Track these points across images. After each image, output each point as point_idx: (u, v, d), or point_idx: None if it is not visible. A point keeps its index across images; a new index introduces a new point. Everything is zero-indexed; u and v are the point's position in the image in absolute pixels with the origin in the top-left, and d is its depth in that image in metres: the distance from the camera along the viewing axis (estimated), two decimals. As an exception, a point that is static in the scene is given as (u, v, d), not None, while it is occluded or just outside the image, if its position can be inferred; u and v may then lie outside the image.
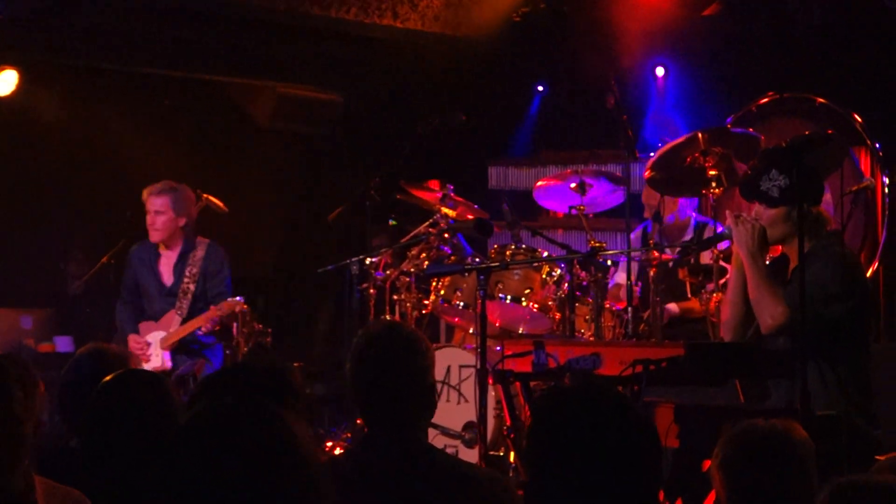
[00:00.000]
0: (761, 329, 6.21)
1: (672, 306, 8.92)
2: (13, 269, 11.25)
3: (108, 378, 4.31)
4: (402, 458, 4.07)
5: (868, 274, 9.73)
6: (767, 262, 6.86)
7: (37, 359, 10.31)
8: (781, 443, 4.00)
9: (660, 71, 11.48)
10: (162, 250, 9.46)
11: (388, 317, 9.25)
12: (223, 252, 9.52)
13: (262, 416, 2.58)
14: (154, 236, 9.36)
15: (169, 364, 9.13)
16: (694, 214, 9.43)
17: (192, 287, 9.32)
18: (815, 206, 6.24)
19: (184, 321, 9.23)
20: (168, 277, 9.43)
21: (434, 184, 9.51)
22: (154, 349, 9.21)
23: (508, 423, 6.88)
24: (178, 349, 9.24)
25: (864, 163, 9.97)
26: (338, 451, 8.86)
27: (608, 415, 3.08)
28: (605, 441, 3.03)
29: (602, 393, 3.14)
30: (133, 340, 9.25)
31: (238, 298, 9.10)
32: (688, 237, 9.26)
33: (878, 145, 10.01)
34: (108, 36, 10.74)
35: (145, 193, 9.35)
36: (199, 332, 9.17)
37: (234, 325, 9.39)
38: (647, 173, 8.45)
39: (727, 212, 6.54)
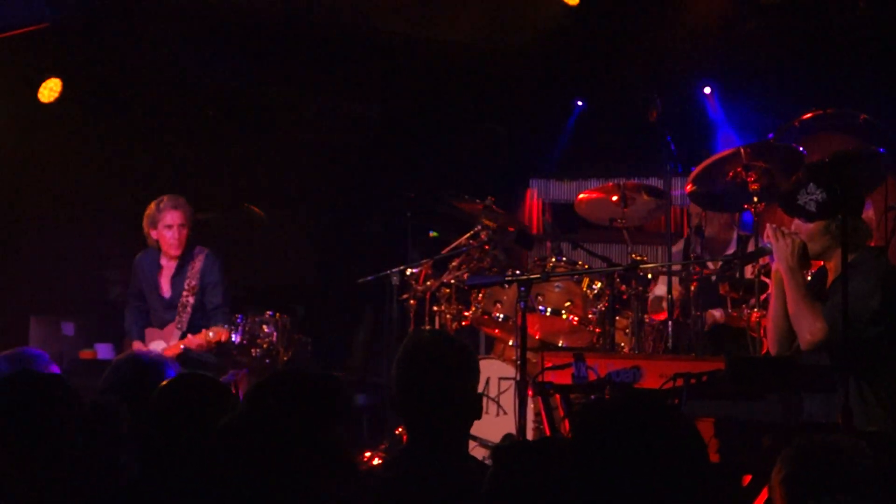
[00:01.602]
0: (801, 345, 6.20)
1: (716, 312, 8.89)
2: (54, 276, 11.30)
3: (166, 382, 4.34)
4: (442, 469, 4.07)
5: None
6: (808, 278, 6.84)
7: (78, 366, 10.37)
8: (849, 460, 3.96)
9: (707, 90, 11.46)
10: (163, 261, 9.45)
11: (427, 327, 9.25)
12: (221, 262, 9.47)
13: (307, 420, 2.59)
14: (175, 250, 9.32)
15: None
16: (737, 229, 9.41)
17: (191, 300, 9.29)
18: (855, 217, 6.21)
19: (183, 334, 9.22)
20: (167, 289, 9.42)
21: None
22: None
23: (548, 436, 6.87)
24: (178, 362, 9.18)
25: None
26: (376, 462, 8.86)
27: (656, 425, 3.06)
28: (647, 452, 3.02)
29: (648, 404, 3.13)
30: (137, 347, 9.18)
31: (225, 327, 9.09)
32: (731, 251, 9.23)
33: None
34: (151, 46, 10.79)
35: (159, 207, 9.29)
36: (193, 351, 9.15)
37: (233, 334, 9.38)
38: (688, 187, 8.43)
39: (767, 226, 6.52)
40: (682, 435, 3.05)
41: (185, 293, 9.30)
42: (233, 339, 9.30)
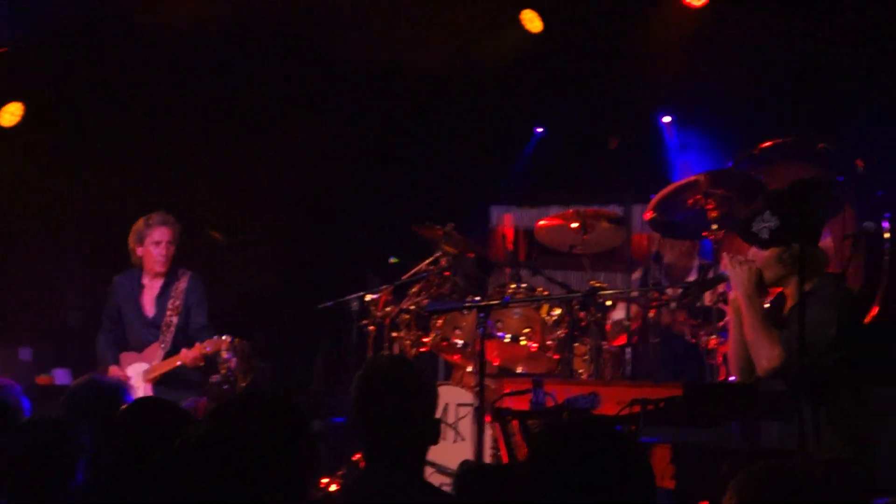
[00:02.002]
0: (757, 371, 6.22)
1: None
2: (11, 301, 11.22)
3: (126, 406, 4.32)
4: (399, 493, 4.06)
5: (867, 318, 9.71)
6: (766, 305, 6.86)
7: (35, 392, 10.30)
8: (802, 484, 3.96)
9: (666, 119, 11.51)
10: (146, 280, 9.39)
11: (387, 353, 9.23)
12: (203, 284, 9.47)
13: (270, 439, 2.58)
14: (161, 268, 9.28)
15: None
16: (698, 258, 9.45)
17: (174, 320, 9.25)
18: (811, 246, 6.23)
19: (167, 354, 9.17)
20: (150, 308, 9.36)
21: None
22: (136, 381, 9.12)
23: (506, 462, 6.86)
24: (160, 381, 9.14)
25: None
26: (333, 488, 8.82)
27: (605, 451, 3.07)
28: (601, 477, 3.02)
29: (600, 430, 3.14)
30: (115, 372, 9.12)
31: (224, 337, 9.05)
32: (691, 278, 9.26)
33: (879, 193, 10.00)
34: (116, 69, 10.76)
35: (148, 223, 9.26)
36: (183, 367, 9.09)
37: (219, 360, 9.35)
38: (648, 215, 8.45)
39: (724, 254, 6.56)
40: (630, 459, 3.06)
41: (169, 312, 9.26)
42: (227, 356, 9.23)
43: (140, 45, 10.56)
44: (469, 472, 4.09)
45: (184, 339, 9.21)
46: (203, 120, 11.90)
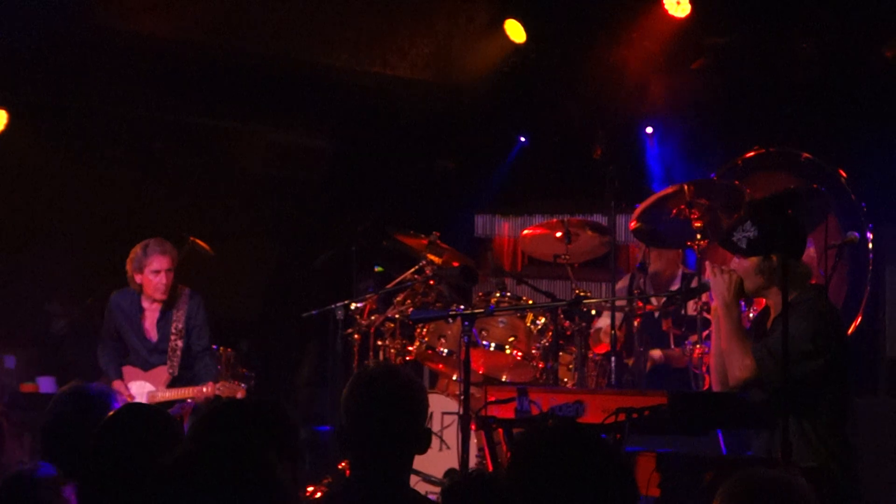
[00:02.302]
0: (729, 381, 6.26)
1: (655, 353, 8.95)
2: (-3, 308, 11.23)
3: (112, 413, 4.31)
4: (384, 500, 4.08)
5: (851, 328, 9.77)
6: (751, 316, 6.91)
7: (19, 399, 10.29)
8: (785, 492, 3.99)
9: (649, 129, 11.55)
10: (145, 303, 9.34)
11: (372, 361, 9.25)
12: (203, 302, 9.44)
13: (245, 460, 2.60)
14: (162, 296, 9.23)
15: None
16: (682, 267, 9.49)
17: (179, 343, 9.21)
18: (795, 258, 6.27)
19: (174, 378, 9.16)
20: (153, 333, 9.32)
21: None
22: (141, 400, 9.08)
23: (491, 470, 6.87)
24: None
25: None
26: (318, 496, 8.83)
27: (586, 456, 3.08)
28: (582, 482, 3.03)
29: (581, 436, 3.15)
30: (119, 388, 9.08)
31: (243, 386, 9.03)
32: (675, 287, 9.29)
33: (863, 204, 10.07)
34: (98, 78, 10.75)
35: (145, 252, 9.17)
36: (189, 401, 9.09)
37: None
38: (632, 224, 8.48)
39: (707, 263, 6.60)
40: (611, 466, 3.08)
41: (173, 337, 9.21)
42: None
43: (121, 53, 10.55)
44: (456, 486, 4.10)
45: (186, 359, 9.21)
46: (185, 131, 11.91)
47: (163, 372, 9.19)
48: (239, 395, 8.92)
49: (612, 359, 8.42)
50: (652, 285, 9.31)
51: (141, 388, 9.15)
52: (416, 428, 4.19)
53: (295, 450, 3.93)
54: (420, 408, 4.22)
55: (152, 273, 9.17)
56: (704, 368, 7.81)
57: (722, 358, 6.41)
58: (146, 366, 9.28)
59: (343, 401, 4.23)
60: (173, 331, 9.23)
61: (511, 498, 3.11)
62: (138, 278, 9.24)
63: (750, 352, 6.18)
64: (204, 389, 8.95)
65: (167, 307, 9.30)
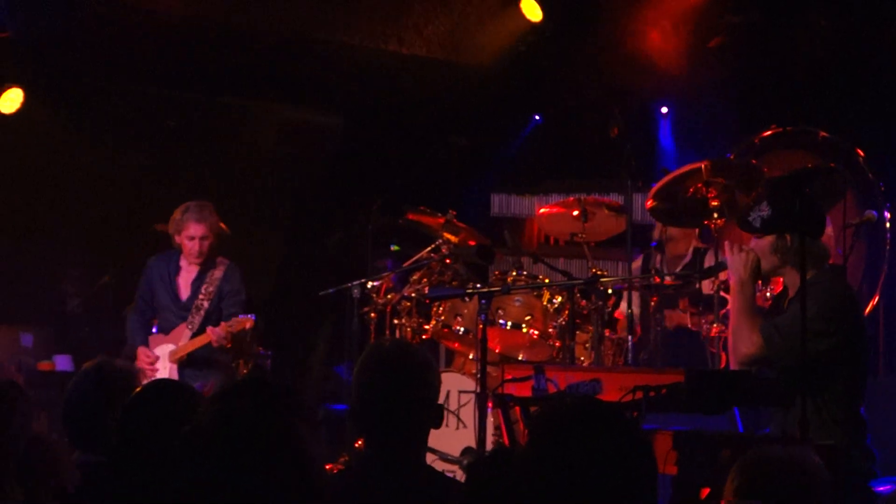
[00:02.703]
0: (735, 357, 6.27)
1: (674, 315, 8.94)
2: (13, 286, 11.24)
3: (138, 390, 4.32)
4: (399, 477, 4.07)
5: (868, 308, 9.75)
6: (768, 294, 6.90)
7: (36, 377, 10.33)
8: (799, 469, 3.99)
9: (664, 109, 11.53)
10: (183, 264, 9.40)
11: (379, 341, 9.24)
12: (241, 274, 9.48)
13: (271, 422, 2.59)
14: (196, 261, 9.29)
15: (175, 378, 9.03)
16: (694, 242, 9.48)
17: (205, 304, 9.26)
18: (813, 238, 6.26)
19: (193, 336, 9.20)
20: (185, 291, 9.36)
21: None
22: (162, 362, 9.17)
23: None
24: (186, 363, 9.16)
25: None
26: (335, 473, 8.83)
27: (606, 432, 3.07)
28: (602, 458, 3.02)
29: (600, 411, 3.13)
30: (143, 353, 9.18)
31: (250, 316, 9.07)
32: (688, 261, 9.30)
33: (881, 183, 10.04)
34: (113, 56, 10.76)
35: (183, 216, 9.23)
36: (212, 346, 9.12)
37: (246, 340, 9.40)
38: (649, 203, 8.47)
39: (726, 242, 6.59)
40: (631, 442, 3.06)
41: (201, 297, 9.27)
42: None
43: (135, 31, 10.55)
44: (480, 461, 4.09)
45: (214, 324, 9.21)
46: (199, 109, 11.91)
47: (183, 329, 9.21)
48: (248, 326, 8.97)
49: (630, 338, 8.41)
50: (665, 263, 9.31)
51: (164, 351, 9.19)
52: (427, 404, 4.19)
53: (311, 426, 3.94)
54: (429, 383, 4.22)
55: (187, 238, 9.24)
56: (721, 346, 7.80)
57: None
58: (170, 326, 9.32)
59: (354, 378, 4.24)
60: (203, 292, 9.29)
61: (530, 474, 3.09)
62: (177, 239, 9.32)
63: (758, 329, 6.18)
64: (217, 329, 8.99)
65: (203, 270, 9.36)
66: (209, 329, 9.06)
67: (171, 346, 9.22)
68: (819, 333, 6.04)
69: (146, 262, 9.58)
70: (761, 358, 6.18)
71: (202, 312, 9.26)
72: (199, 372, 9.05)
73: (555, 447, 3.07)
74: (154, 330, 9.45)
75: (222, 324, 9.03)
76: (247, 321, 9.00)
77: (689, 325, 8.82)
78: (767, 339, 6.14)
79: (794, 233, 6.03)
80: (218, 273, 9.35)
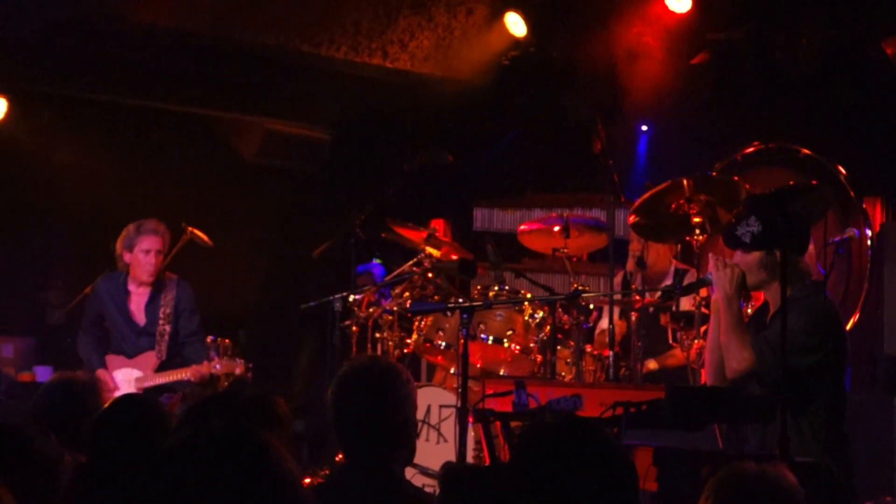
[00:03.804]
0: (726, 373, 6.28)
1: (651, 363, 8.97)
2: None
3: (108, 405, 4.32)
4: (374, 490, 4.09)
5: (849, 326, 9.77)
6: (750, 311, 6.92)
7: (16, 388, 10.30)
8: (773, 487, 4.00)
9: (644, 127, 11.56)
10: (132, 287, 9.26)
11: (369, 354, 9.26)
12: (192, 290, 9.40)
13: (246, 441, 2.59)
14: (149, 277, 9.15)
15: None
16: (674, 262, 9.48)
17: (168, 328, 9.13)
18: (797, 255, 6.29)
19: (162, 363, 9.13)
20: (140, 317, 9.25)
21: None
22: (127, 387, 9.00)
23: (488, 464, 6.88)
24: (151, 389, 9.02)
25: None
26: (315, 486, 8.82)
27: (589, 452, 3.08)
28: (585, 478, 3.03)
29: (583, 430, 3.15)
30: (103, 377, 8.91)
31: (239, 360, 9.00)
32: (667, 283, 9.29)
33: (862, 201, 10.07)
34: (97, 67, 10.75)
35: (139, 230, 9.13)
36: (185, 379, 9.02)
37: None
38: (631, 218, 8.48)
39: (710, 255, 6.60)
40: (614, 460, 3.08)
41: (161, 321, 9.12)
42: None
43: (119, 42, 10.54)
44: (452, 473, 4.10)
45: (175, 345, 9.16)
46: (185, 120, 11.91)
47: (150, 357, 9.11)
48: (238, 371, 8.91)
49: (610, 353, 8.41)
50: (645, 281, 9.33)
51: (127, 376, 9.07)
52: (402, 419, 4.21)
53: (285, 441, 3.95)
54: (401, 398, 4.23)
55: (142, 252, 9.10)
56: (702, 363, 7.81)
57: (718, 352, 6.44)
58: (133, 351, 9.19)
59: (330, 394, 4.26)
60: (161, 315, 9.16)
61: (512, 490, 3.11)
62: (127, 257, 9.17)
63: (749, 345, 6.20)
64: (201, 368, 8.89)
65: (155, 291, 9.24)
66: (193, 367, 8.94)
67: (136, 372, 9.07)
68: (805, 348, 6.07)
69: (94, 283, 9.46)
70: (753, 373, 6.19)
71: (167, 338, 9.15)
72: (159, 394, 8.91)
73: (537, 464, 3.08)
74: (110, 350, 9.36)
75: (205, 363, 8.92)
76: (236, 365, 8.93)
77: (666, 368, 8.87)
78: (759, 355, 6.15)
79: (782, 248, 6.04)
80: (170, 293, 9.23)
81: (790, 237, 6.11)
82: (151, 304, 9.21)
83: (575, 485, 3.04)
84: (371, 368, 4.31)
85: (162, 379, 9.00)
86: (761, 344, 6.17)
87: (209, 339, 9.60)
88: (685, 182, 8.04)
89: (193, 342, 9.17)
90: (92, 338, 9.38)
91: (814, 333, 6.14)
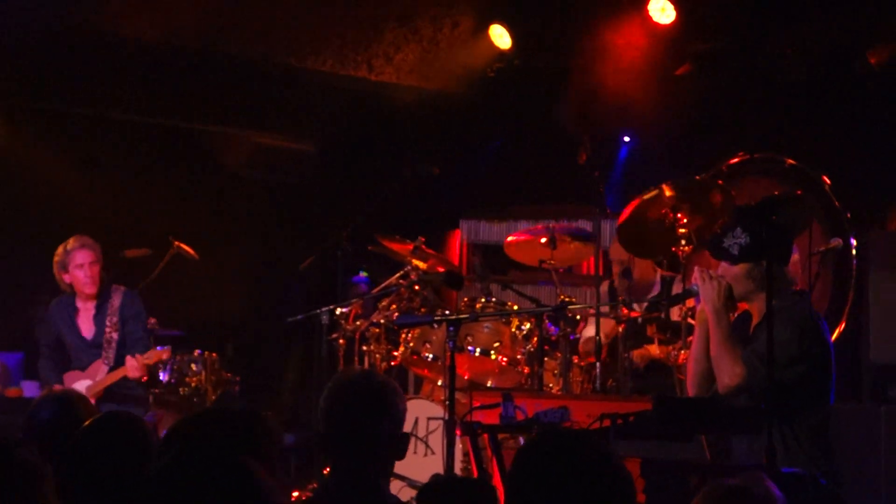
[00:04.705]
0: (719, 388, 6.29)
1: (651, 347, 8.94)
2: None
3: (90, 421, 4.31)
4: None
5: (834, 335, 9.79)
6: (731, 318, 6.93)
7: (3, 403, 10.27)
8: (758, 499, 4.00)
9: (626, 139, 11.58)
10: (79, 303, 9.30)
11: (357, 367, 9.26)
12: (140, 299, 9.40)
13: (226, 468, 2.60)
14: (91, 289, 9.18)
15: None
16: (660, 271, 9.49)
17: (115, 336, 9.14)
18: (781, 265, 6.31)
19: (111, 369, 9.12)
20: (88, 331, 9.27)
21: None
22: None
23: (475, 476, 6.88)
24: (104, 398, 9.01)
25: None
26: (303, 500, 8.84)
27: (591, 464, 3.10)
28: (584, 492, 3.05)
29: (584, 443, 3.17)
30: (58, 389, 9.00)
31: (165, 347, 9.02)
32: (655, 293, 9.30)
33: (847, 211, 10.10)
34: (85, 81, 10.75)
35: (67, 249, 9.17)
36: (127, 379, 9.03)
37: (161, 372, 9.35)
38: (618, 232, 8.50)
39: (696, 268, 6.60)
40: (614, 475, 3.10)
41: (108, 329, 9.17)
42: (161, 376, 9.22)
43: (106, 57, 10.54)
44: (433, 486, 4.12)
45: (123, 351, 9.15)
46: (171, 135, 11.91)
47: (100, 365, 9.12)
48: (164, 357, 8.93)
49: (597, 365, 8.42)
50: (630, 293, 9.33)
51: (81, 387, 9.05)
52: (392, 433, 4.21)
53: (273, 458, 3.94)
54: (394, 412, 4.24)
55: (77, 268, 9.16)
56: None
57: (701, 363, 6.45)
58: (87, 364, 9.22)
59: (320, 408, 4.26)
60: (108, 324, 9.19)
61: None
62: (66, 278, 9.24)
63: (740, 360, 6.20)
64: (131, 364, 8.90)
65: (101, 302, 9.26)
66: (128, 360, 8.97)
67: (87, 382, 9.11)
68: (792, 358, 6.08)
69: (47, 308, 9.51)
70: (745, 387, 6.18)
71: (114, 345, 9.16)
72: (119, 405, 8.89)
73: (536, 480, 3.10)
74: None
75: (137, 356, 8.94)
76: (163, 353, 8.95)
77: (658, 355, 8.83)
78: (750, 369, 6.14)
79: (769, 259, 6.05)
80: (116, 301, 9.25)
81: (776, 247, 6.13)
82: (98, 315, 9.26)
83: (572, 498, 3.06)
84: (369, 380, 4.31)
85: (105, 382, 8.98)
86: (752, 358, 6.17)
87: (196, 352, 9.60)
88: (664, 187, 8.05)
89: (138, 346, 9.13)
90: (50, 361, 9.47)
91: (800, 342, 6.15)
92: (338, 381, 4.32)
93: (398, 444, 4.23)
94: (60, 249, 9.23)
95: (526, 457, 3.22)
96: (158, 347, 9.00)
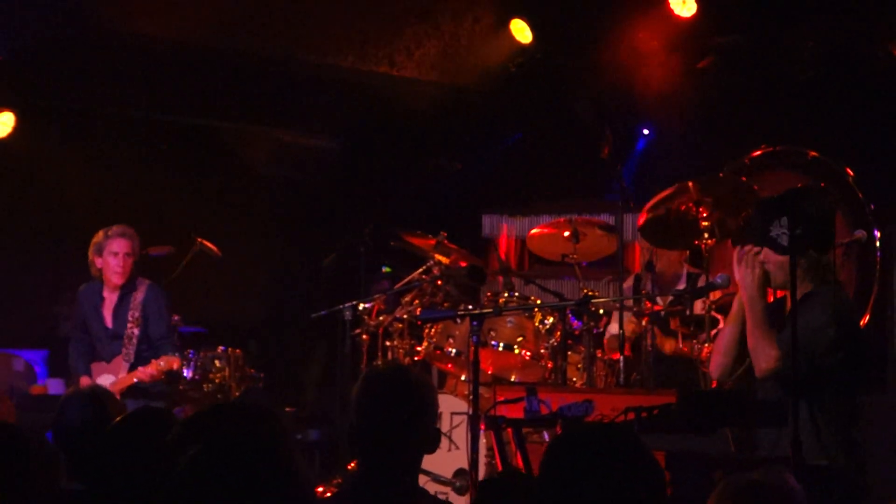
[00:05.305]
0: (755, 372, 6.25)
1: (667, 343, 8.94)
2: (5, 310, 11.23)
3: (122, 416, 4.33)
4: (391, 499, 4.09)
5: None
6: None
7: (28, 401, 10.30)
8: (779, 494, 4.00)
9: (645, 131, 11.57)
10: (105, 293, 9.29)
11: (381, 362, 9.26)
12: (164, 294, 9.37)
13: (267, 448, 2.61)
14: (118, 279, 9.15)
15: None
16: (686, 265, 9.48)
17: (136, 331, 9.12)
18: (823, 254, 6.28)
19: (131, 366, 9.13)
20: (109, 320, 9.26)
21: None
22: None
23: (500, 470, 6.88)
24: (128, 394, 8.93)
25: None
26: (328, 496, 8.83)
27: (624, 455, 3.11)
28: (620, 481, 3.06)
29: (618, 435, 3.18)
30: (84, 383, 9.04)
31: (176, 355, 8.99)
32: (680, 287, 9.28)
33: (871, 203, 10.07)
34: (105, 80, 10.78)
35: (107, 234, 9.16)
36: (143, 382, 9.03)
37: (185, 369, 9.37)
38: (640, 223, 8.49)
39: (734, 253, 6.53)
40: (647, 468, 3.10)
41: (129, 324, 9.16)
42: (184, 372, 9.24)
43: (126, 55, 10.57)
44: (491, 481, 4.12)
45: (147, 349, 9.14)
46: (193, 132, 11.94)
47: (120, 361, 9.11)
48: (174, 366, 8.92)
49: (621, 359, 8.42)
50: (656, 285, 9.32)
51: (106, 381, 9.06)
52: (425, 428, 4.21)
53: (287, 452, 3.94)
54: (428, 407, 4.24)
55: (111, 255, 9.14)
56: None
57: (730, 343, 6.40)
58: (108, 355, 9.22)
59: (353, 399, 4.24)
60: (130, 318, 9.15)
61: (544, 500, 3.13)
62: (98, 262, 9.20)
63: (775, 343, 6.16)
64: (147, 368, 8.88)
65: (124, 294, 9.24)
66: (140, 368, 8.93)
67: (111, 377, 9.12)
68: (833, 343, 6.05)
69: (77, 292, 9.51)
70: (781, 371, 6.14)
71: (134, 341, 9.13)
72: (142, 401, 8.87)
73: (570, 473, 3.10)
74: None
75: (153, 361, 8.89)
76: (174, 362, 8.92)
77: (682, 348, 8.82)
78: (786, 353, 6.11)
79: (813, 248, 6.04)
80: (139, 295, 9.21)
81: (818, 236, 6.10)
82: (120, 308, 9.23)
83: (608, 493, 3.07)
84: (403, 373, 4.31)
85: (123, 383, 8.97)
86: (789, 343, 6.14)
87: (220, 348, 9.60)
88: (691, 184, 8.05)
89: (164, 345, 9.12)
90: (79, 345, 9.43)
91: (838, 329, 6.12)
92: (371, 374, 4.32)
93: (431, 439, 4.22)
94: (101, 233, 9.21)
95: (559, 449, 3.23)
96: (171, 355, 8.98)
